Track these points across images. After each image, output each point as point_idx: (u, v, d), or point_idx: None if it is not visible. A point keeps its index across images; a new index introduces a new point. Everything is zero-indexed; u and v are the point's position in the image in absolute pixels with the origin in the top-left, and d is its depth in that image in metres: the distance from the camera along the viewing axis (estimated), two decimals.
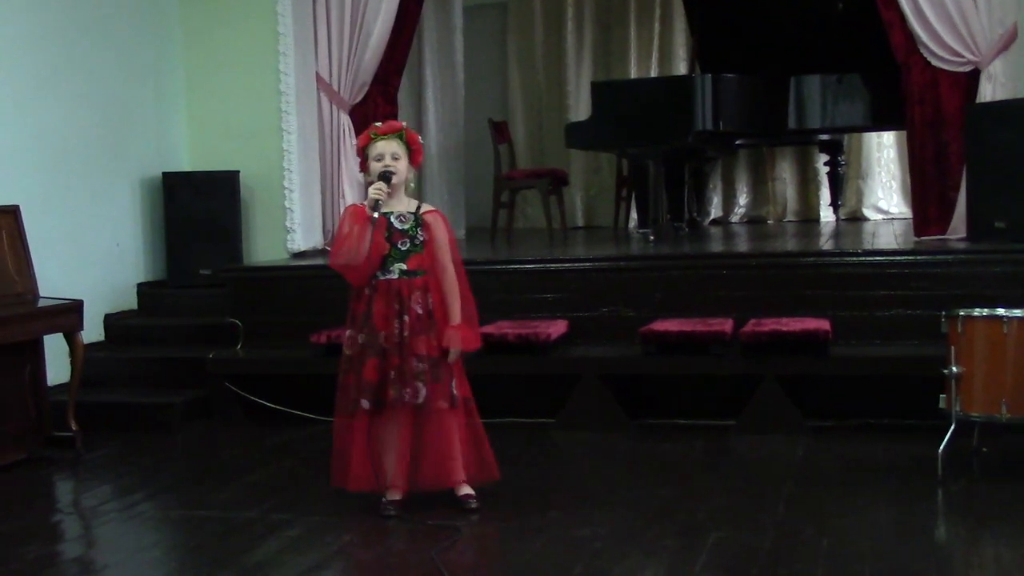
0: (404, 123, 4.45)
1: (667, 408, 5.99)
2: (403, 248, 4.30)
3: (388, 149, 4.33)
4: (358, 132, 7.93)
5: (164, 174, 7.58)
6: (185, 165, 7.87)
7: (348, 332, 4.35)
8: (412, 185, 4.46)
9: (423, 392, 4.25)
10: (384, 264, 4.29)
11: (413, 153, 4.39)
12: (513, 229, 9.53)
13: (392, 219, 4.32)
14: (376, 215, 4.19)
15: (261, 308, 6.84)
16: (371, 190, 4.24)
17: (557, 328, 6.13)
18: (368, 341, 4.27)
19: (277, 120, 7.63)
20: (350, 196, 7.89)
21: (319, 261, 7.36)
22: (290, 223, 7.65)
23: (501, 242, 8.88)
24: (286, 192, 7.65)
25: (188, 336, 7.05)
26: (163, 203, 7.58)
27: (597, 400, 5.86)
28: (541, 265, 6.56)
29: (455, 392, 4.33)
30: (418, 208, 4.39)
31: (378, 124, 4.44)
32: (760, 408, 5.64)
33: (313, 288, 6.79)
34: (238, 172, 7.62)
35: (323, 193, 7.88)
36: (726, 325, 5.84)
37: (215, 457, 5.74)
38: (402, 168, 4.34)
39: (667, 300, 6.25)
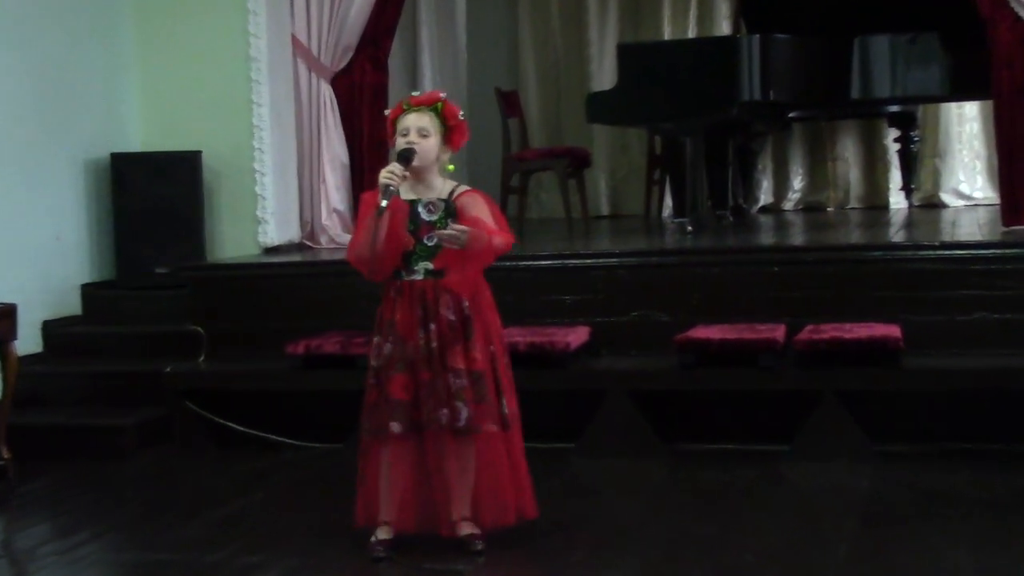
0: (445, 94, 4.41)
1: (708, 430, 5.97)
2: (429, 244, 4.27)
3: (417, 124, 4.27)
4: (341, 104, 7.96)
5: (112, 155, 7.60)
6: (137, 144, 7.88)
7: (375, 339, 4.35)
8: (450, 167, 4.40)
9: (465, 413, 4.22)
10: (408, 262, 4.27)
11: (450, 131, 4.32)
12: (525, 219, 9.52)
13: (419, 208, 4.29)
14: (384, 202, 4.13)
15: (228, 313, 6.84)
16: (382, 173, 4.19)
17: (577, 336, 6.13)
18: (395, 352, 4.26)
19: (246, 91, 7.63)
20: (332, 181, 7.89)
21: (296, 257, 7.38)
22: (262, 213, 7.66)
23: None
24: (257, 176, 7.66)
25: (142, 346, 7.06)
26: (111, 189, 7.60)
27: (625, 421, 5.85)
28: (558, 261, 6.56)
29: (506, 411, 4.32)
30: (451, 193, 4.35)
31: (415, 93, 4.43)
32: (818, 430, 5.62)
33: (289, 289, 6.79)
34: (200, 152, 7.63)
35: (300, 177, 7.89)
36: (778, 332, 5.83)
37: (174, 489, 5.75)
38: (429, 147, 4.28)
39: (708, 302, 6.24)
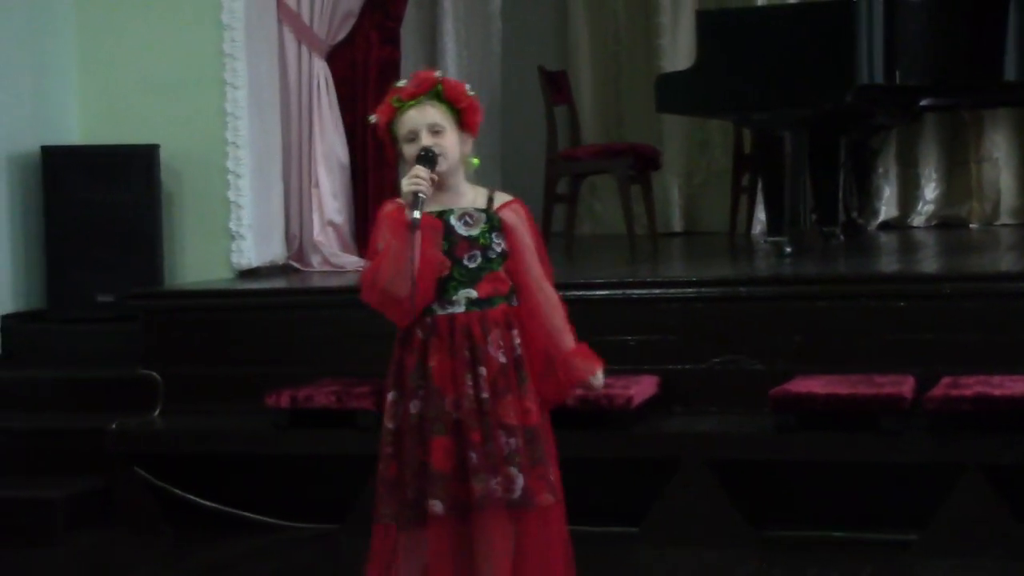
0: (439, 72, 4.39)
1: (812, 513, 5.95)
2: (471, 265, 4.25)
3: (423, 120, 4.25)
4: (339, 87, 8.00)
5: (44, 149, 7.65)
6: (75, 136, 7.94)
7: (391, 394, 4.32)
8: (475, 161, 4.40)
9: (520, 482, 4.22)
10: (443, 291, 4.26)
11: (464, 115, 4.31)
12: (576, 235, 9.54)
13: (452, 221, 4.29)
14: (417, 215, 4.13)
15: (191, 354, 6.88)
16: (406, 181, 4.18)
17: (643, 388, 6.13)
18: (429, 411, 4.24)
19: (218, 68, 7.69)
20: (327, 185, 7.93)
21: (280, 283, 7.40)
22: (236, 225, 7.70)
23: (557, 254, 8.88)
24: (231, 178, 7.71)
25: (78, 396, 7.08)
26: (41, 193, 7.64)
27: (704, 499, 5.84)
28: (618, 291, 6.57)
29: (552, 476, 4.33)
30: (490, 201, 4.35)
31: (400, 83, 4.39)
32: (958, 515, 5.58)
33: (271, 324, 6.82)
34: (157, 147, 7.68)
35: (287, 181, 7.93)
36: (904, 386, 5.81)
37: None
38: (450, 144, 4.26)
39: (812, 347, 6.23)
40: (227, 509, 6.42)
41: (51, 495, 6.41)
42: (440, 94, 4.26)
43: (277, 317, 6.85)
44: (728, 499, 5.83)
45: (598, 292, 6.58)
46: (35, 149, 7.67)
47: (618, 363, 6.38)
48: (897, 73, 7.75)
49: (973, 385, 5.71)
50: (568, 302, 6.54)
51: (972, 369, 5.95)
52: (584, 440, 5.95)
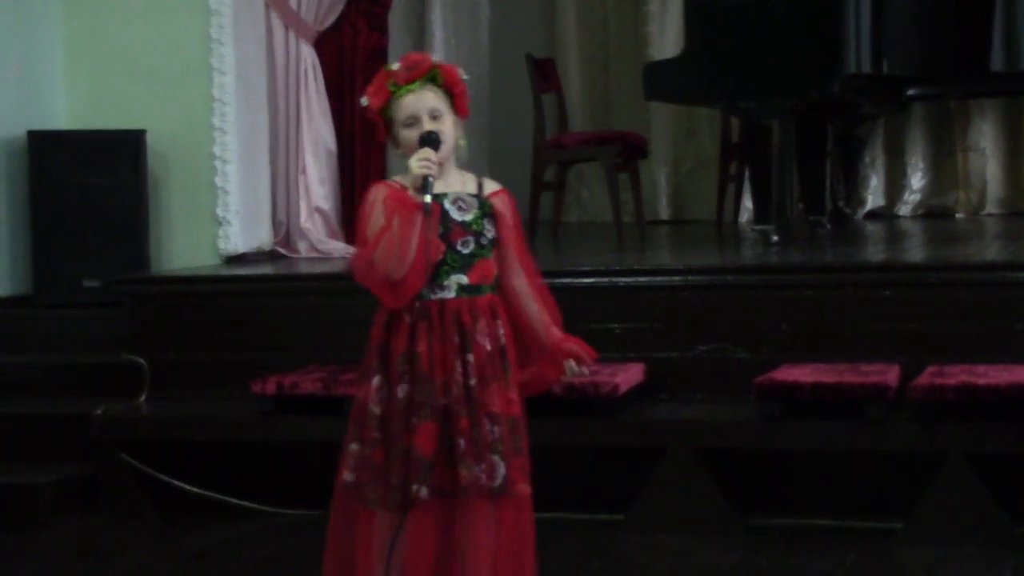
0: (433, 56, 4.41)
1: (796, 501, 5.97)
2: (464, 251, 4.25)
3: (423, 105, 4.25)
4: (327, 73, 8.00)
5: (30, 134, 7.64)
6: (62, 121, 7.93)
7: (374, 379, 4.32)
8: (463, 144, 4.39)
9: (502, 470, 4.23)
10: (435, 276, 4.26)
11: (457, 98, 4.34)
12: (563, 223, 9.54)
13: (447, 205, 4.29)
14: (428, 198, 4.13)
15: (177, 340, 6.88)
16: (414, 161, 4.17)
17: (629, 376, 6.14)
18: (418, 395, 4.24)
19: (204, 54, 7.69)
20: (314, 171, 7.93)
21: (266, 269, 7.40)
22: (223, 211, 7.70)
23: (545, 243, 8.88)
24: (217, 164, 7.71)
25: (64, 381, 7.08)
26: (27, 178, 7.64)
27: (690, 487, 5.85)
28: (605, 279, 6.58)
29: (528, 468, 4.34)
30: (480, 186, 4.36)
31: (394, 67, 4.38)
32: (942, 503, 5.60)
33: (257, 310, 6.81)
34: (143, 132, 7.67)
35: (274, 166, 7.93)
36: (889, 375, 5.83)
37: (101, 569, 5.75)
38: (448, 128, 4.30)
39: (798, 335, 6.24)
40: (213, 495, 6.43)
41: (36, 480, 6.40)
42: (436, 78, 4.27)
43: (263, 303, 6.84)
44: (714, 487, 5.84)
45: (585, 280, 6.58)
46: (21, 134, 7.66)
47: (604, 351, 6.37)
48: (884, 63, 7.77)
49: (958, 374, 5.73)
50: (555, 290, 6.54)
51: (957, 358, 5.97)
52: (570, 428, 5.97)
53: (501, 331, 4.25)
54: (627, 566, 5.57)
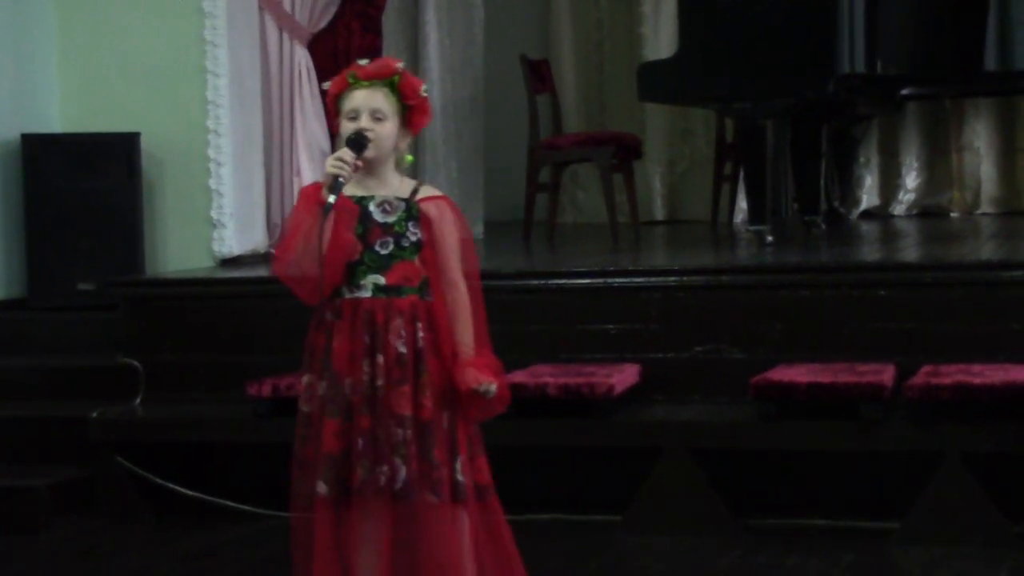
0: (401, 64, 4.43)
1: (794, 501, 5.97)
2: (383, 251, 4.29)
3: (369, 103, 4.31)
4: (321, 74, 7.98)
5: (24, 137, 7.63)
6: (56, 124, 7.92)
7: (305, 378, 4.35)
8: (409, 158, 4.45)
9: (403, 473, 4.23)
10: (352, 275, 4.29)
11: (411, 112, 4.35)
12: (558, 224, 9.54)
13: (371, 207, 4.33)
14: (332, 198, 4.18)
15: (172, 342, 6.88)
16: (329, 159, 4.23)
17: (625, 376, 6.14)
18: (329, 393, 4.27)
19: (199, 56, 7.68)
20: (308, 173, 7.92)
21: (261, 272, 7.40)
22: (218, 214, 7.70)
23: (539, 244, 8.88)
24: (212, 166, 7.70)
25: (59, 385, 7.08)
26: (22, 181, 7.63)
27: (686, 488, 5.85)
28: (600, 280, 6.57)
29: (460, 477, 4.31)
30: (414, 192, 4.39)
31: (362, 62, 4.43)
32: (938, 503, 5.60)
33: (252, 313, 6.81)
34: (138, 135, 7.67)
35: (268, 169, 7.92)
36: (884, 375, 5.83)
37: (101, 570, 5.75)
38: (386, 133, 4.32)
39: (793, 335, 6.24)
40: (209, 497, 6.42)
41: (33, 483, 6.40)
42: (394, 84, 4.31)
43: (258, 305, 6.83)
44: (711, 487, 5.84)
45: (580, 281, 6.58)
46: (15, 137, 7.65)
47: (600, 351, 6.42)
48: (879, 63, 7.77)
49: (953, 374, 5.73)
50: (550, 291, 6.62)
51: (952, 358, 5.97)
52: (566, 428, 5.97)
53: (420, 335, 4.26)
54: (624, 567, 5.57)
